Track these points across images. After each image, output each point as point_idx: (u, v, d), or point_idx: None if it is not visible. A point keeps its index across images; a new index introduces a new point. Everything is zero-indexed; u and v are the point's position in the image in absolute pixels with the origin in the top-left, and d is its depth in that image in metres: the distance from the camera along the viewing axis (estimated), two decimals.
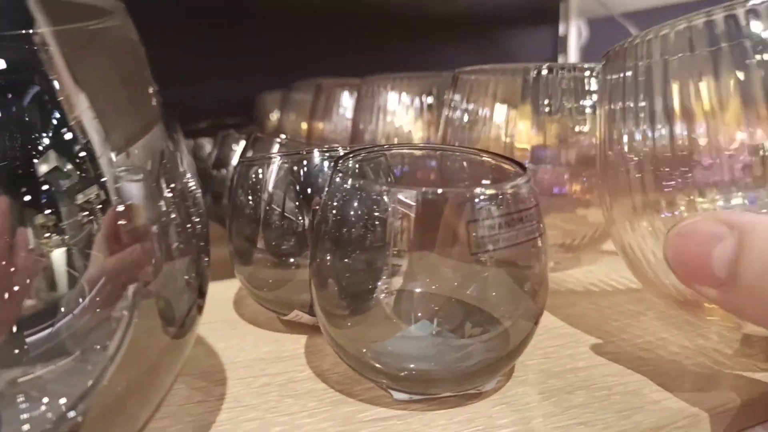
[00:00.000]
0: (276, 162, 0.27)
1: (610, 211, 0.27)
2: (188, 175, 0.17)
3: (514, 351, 0.22)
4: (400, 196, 0.20)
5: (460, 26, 0.93)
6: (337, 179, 0.21)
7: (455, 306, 0.22)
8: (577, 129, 0.35)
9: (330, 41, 0.86)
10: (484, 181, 0.22)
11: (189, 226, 0.17)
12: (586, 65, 0.35)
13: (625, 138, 0.26)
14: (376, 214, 0.20)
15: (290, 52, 0.83)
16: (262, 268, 0.28)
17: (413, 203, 0.20)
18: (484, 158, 0.23)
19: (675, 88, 0.24)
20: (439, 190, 0.19)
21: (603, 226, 0.36)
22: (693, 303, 0.24)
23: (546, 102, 0.36)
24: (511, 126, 0.36)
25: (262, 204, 0.27)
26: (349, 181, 0.20)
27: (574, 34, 0.93)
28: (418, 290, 0.22)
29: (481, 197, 0.20)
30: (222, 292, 0.33)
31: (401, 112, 0.46)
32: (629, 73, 0.25)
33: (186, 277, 0.17)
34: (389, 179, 0.25)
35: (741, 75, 0.22)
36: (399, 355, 0.22)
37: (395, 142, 0.45)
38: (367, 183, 0.20)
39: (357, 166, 0.24)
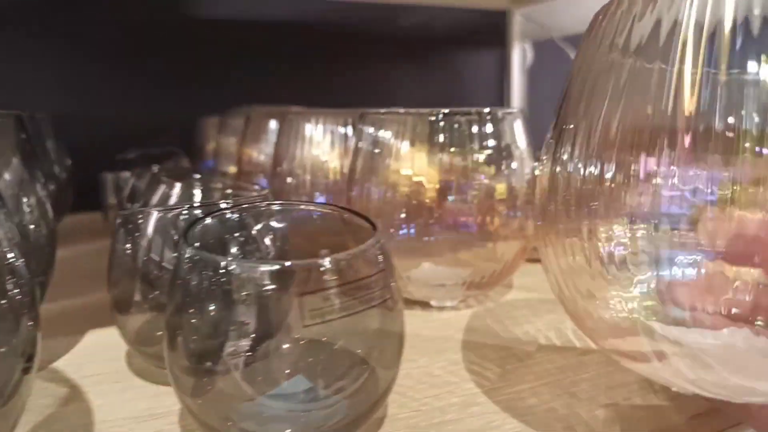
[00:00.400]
0: (153, 215, 0.27)
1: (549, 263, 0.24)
2: (2, 247, 0.17)
3: (376, 402, 0.22)
4: (239, 269, 0.20)
5: (406, 49, 0.94)
6: (184, 248, 0.20)
7: (314, 361, 0.23)
8: (478, 168, 0.36)
9: (273, 65, 0.87)
10: (323, 251, 0.23)
11: (4, 301, 0.17)
12: (484, 110, 0.36)
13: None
14: (220, 282, 0.20)
15: (234, 78, 0.83)
16: (139, 321, 0.28)
17: (254, 275, 0.20)
18: (341, 215, 0.24)
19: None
20: (275, 266, 0.20)
21: (510, 261, 0.37)
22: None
23: (448, 143, 0.36)
24: (414, 164, 0.37)
25: (140, 255, 0.27)
26: (192, 251, 0.20)
27: (518, 56, 0.95)
28: (274, 349, 0.22)
29: (316, 269, 0.20)
30: (118, 340, 0.33)
31: (319, 142, 0.46)
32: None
33: (3, 348, 0.17)
34: (247, 238, 0.25)
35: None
36: (253, 418, 0.22)
37: (309, 172, 0.46)
38: (207, 256, 0.20)
39: (210, 227, 0.24)
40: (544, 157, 0.25)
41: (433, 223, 0.37)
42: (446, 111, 0.36)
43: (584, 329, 0.24)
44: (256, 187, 0.37)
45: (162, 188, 0.34)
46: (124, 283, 0.28)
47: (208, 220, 0.24)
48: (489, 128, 0.36)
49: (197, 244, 0.22)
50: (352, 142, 0.44)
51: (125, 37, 0.78)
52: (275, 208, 0.25)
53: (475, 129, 0.36)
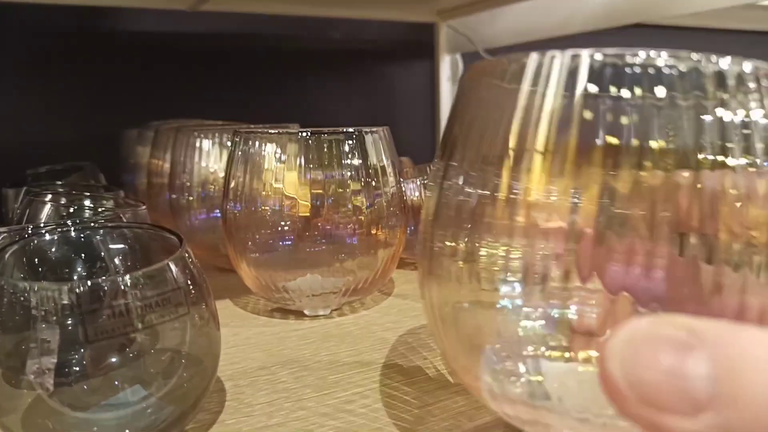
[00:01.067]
0: None
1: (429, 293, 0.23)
2: None
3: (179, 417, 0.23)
4: (38, 292, 0.21)
5: (334, 62, 0.95)
6: None
7: (124, 377, 0.24)
8: (347, 184, 0.38)
9: (201, 78, 0.87)
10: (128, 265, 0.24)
11: None
12: (343, 130, 0.37)
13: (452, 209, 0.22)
14: (22, 306, 0.21)
15: (158, 91, 0.84)
16: None
17: (57, 295, 0.21)
18: (145, 232, 0.25)
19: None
20: (66, 285, 0.21)
21: (382, 268, 0.39)
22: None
23: (317, 161, 0.38)
24: (286, 181, 0.38)
25: None
26: None
27: (447, 67, 0.97)
28: (73, 370, 0.23)
29: (125, 283, 0.21)
30: None
31: (210, 156, 0.47)
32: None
33: None
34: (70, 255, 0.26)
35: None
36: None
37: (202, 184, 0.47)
38: (7, 280, 0.21)
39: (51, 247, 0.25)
40: (431, 183, 0.23)
41: (308, 237, 0.39)
42: (313, 130, 0.37)
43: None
44: (141, 206, 0.38)
45: (37, 207, 0.35)
46: None
47: (43, 240, 0.25)
48: (354, 146, 0.38)
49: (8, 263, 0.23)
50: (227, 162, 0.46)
51: (40, 49, 0.78)
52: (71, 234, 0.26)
53: (343, 147, 0.38)
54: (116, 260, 0.26)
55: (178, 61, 0.86)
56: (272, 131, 0.38)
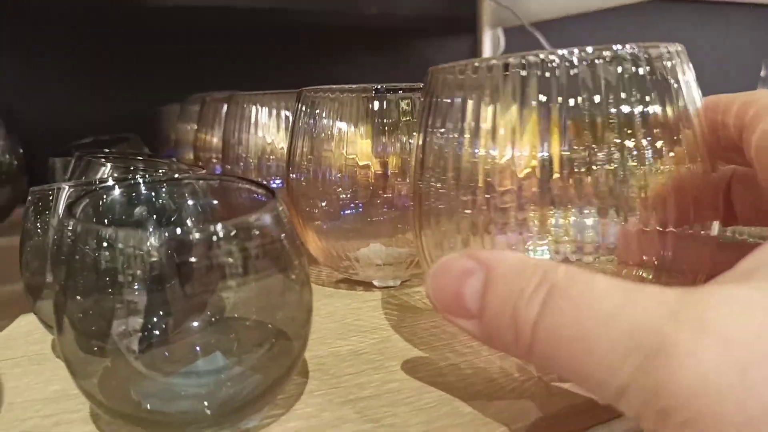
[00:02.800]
0: (65, 191, 0.26)
1: (419, 237, 0.27)
2: None
3: (278, 379, 0.21)
4: (129, 238, 0.19)
5: (374, 37, 0.93)
6: (66, 221, 0.20)
7: (210, 339, 0.22)
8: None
9: (236, 54, 0.86)
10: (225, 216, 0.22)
11: None
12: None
13: (433, 161, 0.26)
14: (107, 255, 0.19)
15: (194, 66, 0.82)
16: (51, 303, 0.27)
17: (142, 242, 0.19)
18: (238, 185, 0.23)
19: (483, 113, 0.24)
20: (165, 232, 0.19)
21: None
22: None
23: (390, 121, 0.36)
24: (356, 143, 0.36)
25: (51, 234, 0.26)
26: (74, 223, 0.19)
27: (489, 43, 0.94)
28: (170, 327, 0.21)
29: (219, 233, 0.19)
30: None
31: (266, 125, 0.45)
32: (444, 94, 0.25)
33: None
34: (143, 211, 0.24)
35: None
36: (152, 400, 0.21)
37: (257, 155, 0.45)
38: (94, 226, 0.19)
39: (102, 200, 0.23)
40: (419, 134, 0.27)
41: (377, 204, 0.37)
42: (384, 86, 0.35)
43: None
44: (201, 170, 0.37)
45: (95, 168, 0.33)
46: (36, 266, 0.27)
47: (115, 194, 0.23)
48: None
49: (81, 216, 0.21)
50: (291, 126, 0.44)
51: (81, 25, 0.77)
52: (176, 181, 0.25)
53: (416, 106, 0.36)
54: (200, 214, 0.24)
55: (212, 36, 0.84)
56: (342, 91, 0.36)
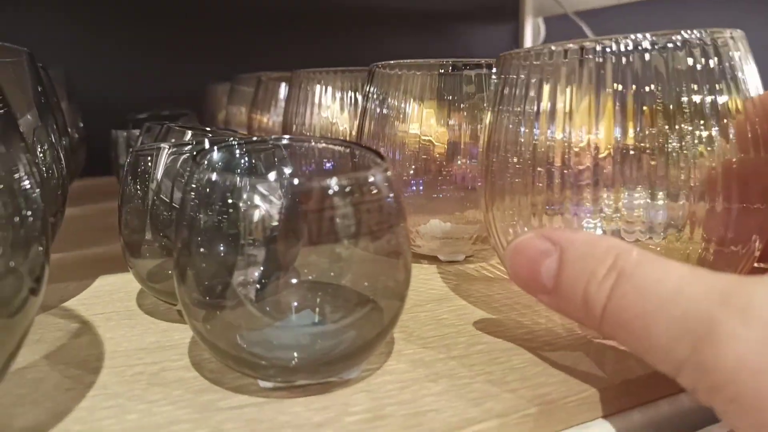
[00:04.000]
0: (165, 151, 0.27)
1: (489, 212, 0.28)
2: (19, 173, 0.18)
3: (380, 334, 0.22)
4: (254, 187, 0.20)
5: (417, 22, 0.93)
6: (195, 170, 0.21)
7: (319, 294, 0.23)
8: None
9: (281, 35, 0.86)
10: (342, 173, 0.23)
11: (17, 218, 0.17)
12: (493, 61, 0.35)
13: (506, 140, 0.27)
14: (231, 204, 0.20)
15: (240, 46, 0.83)
16: (151, 260, 0.28)
17: (266, 193, 0.20)
18: (345, 149, 0.24)
19: (560, 96, 0.25)
20: (295, 180, 0.20)
21: None
22: None
23: (457, 98, 0.36)
24: (423, 121, 0.37)
25: (151, 194, 0.27)
26: (205, 172, 0.20)
27: (530, 31, 0.94)
28: (282, 280, 0.22)
29: (334, 188, 0.20)
30: (127, 284, 0.33)
31: (328, 105, 0.46)
32: (519, 78, 0.26)
33: (12, 263, 0.17)
34: (253, 170, 0.25)
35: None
36: (261, 345, 0.22)
37: (319, 135, 0.46)
38: (222, 174, 0.20)
39: (222, 158, 0.24)
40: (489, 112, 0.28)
41: (441, 181, 0.37)
42: (452, 62, 0.36)
43: None
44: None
45: (174, 136, 0.34)
46: (135, 224, 0.28)
47: (220, 154, 0.24)
48: None
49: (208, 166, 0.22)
50: (360, 104, 0.44)
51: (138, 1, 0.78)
52: (286, 143, 0.25)
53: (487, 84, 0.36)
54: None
55: (254, 18, 0.85)
56: (411, 62, 0.37)
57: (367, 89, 0.38)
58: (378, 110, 0.38)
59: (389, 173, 0.21)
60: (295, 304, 0.23)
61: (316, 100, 0.46)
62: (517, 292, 0.32)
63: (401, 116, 0.37)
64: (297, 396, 0.22)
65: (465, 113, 0.37)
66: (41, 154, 0.32)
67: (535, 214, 0.26)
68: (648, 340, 0.18)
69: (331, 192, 0.20)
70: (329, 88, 0.46)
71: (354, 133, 0.43)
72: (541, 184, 0.26)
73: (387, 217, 0.21)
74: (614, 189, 0.24)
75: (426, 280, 0.34)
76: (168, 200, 0.27)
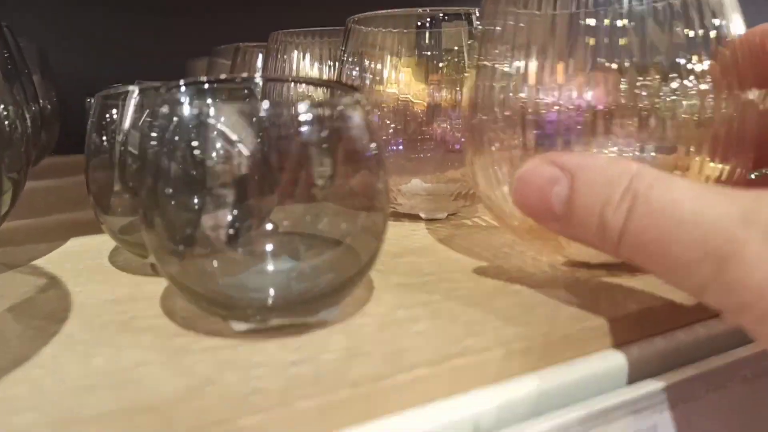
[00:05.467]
0: (134, 95, 0.26)
1: (473, 164, 0.27)
2: None
3: (357, 273, 0.21)
4: (221, 119, 0.19)
5: None
6: (158, 104, 0.20)
7: (296, 236, 0.22)
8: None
9: (261, 3, 0.85)
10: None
11: None
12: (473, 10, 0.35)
13: (485, 91, 0.26)
14: (195, 143, 0.19)
15: (221, 16, 0.81)
16: (121, 215, 0.27)
17: (234, 126, 0.19)
18: (323, 87, 0.23)
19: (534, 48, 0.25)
20: (264, 106, 0.19)
21: None
22: (542, 236, 0.25)
23: (437, 53, 0.35)
24: (401, 79, 0.36)
25: (118, 144, 0.26)
26: (169, 106, 0.19)
27: None
28: (257, 222, 0.22)
29: (305, 114, 0.19)
30: (101, 244, 0.32)
31: (307, 67, 0.45)
32: (497, 27, 0.25)
33: None
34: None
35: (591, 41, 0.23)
36: (237, 287, 0.21)
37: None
38: (187, 107, 0.19)
39: (190, 95, 0.23)
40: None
41: (422, 141, 0.37)
42: (434, 12, 0.35)
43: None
44: None
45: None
46: (102, 178, 0.27)
47: (188, 90, 0.23)
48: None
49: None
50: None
51: None
52: (259, 81, 0.25)
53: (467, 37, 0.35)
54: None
55: None
56: (387, 14, 0.35)
57: (342, 47, 0.37)
58: (354, 68, 0.37)
59: (363, 104, 0.21)
60: (271, 247, 0.22)
61: (294, 63, 0.45)
62: (501, 242, 0.31)
63: (378, 74, 0.36)
64: (272, 338, 0.21)
65: (445, 70, 0.36)
66: (3, 110, 0.31)
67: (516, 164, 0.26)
68: (669, 262, 0.17)
69: (302, 119, 0.19)
70: (308, 55, 0.45)
71: None
72: (522, 140, 0.25)
73: (362, 147, 0.20)
74: (601, 143, 0.24)
75: (407, 236, 0.33)
76: (137, 149, 0.26)
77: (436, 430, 0.18)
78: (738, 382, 0.22)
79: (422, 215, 0.37)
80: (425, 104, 0.37)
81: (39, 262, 0.30)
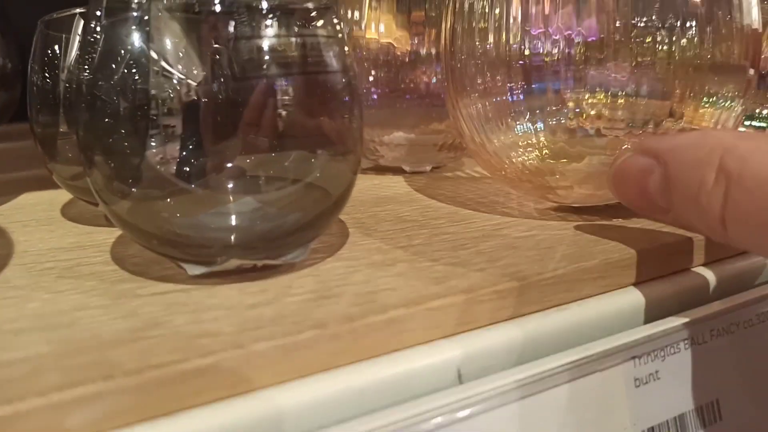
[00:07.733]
0: (80, 21, 0.23)
1: (456, 109, 0.25)
2: None
3: (325, 212, 0.19)
4: (163, 28, 0.16)
5: None
6: (91, 36, 0.17)
7: (260, 170, 0.20)
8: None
9: None
10: None
11: None
12: None
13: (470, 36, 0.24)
14: (136, 71, 0.17)
15: None
16: (70, 160, 0.24)
17: (179, 32, 0.16)
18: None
19: None
20: (216, 8, 0.16)
21: None
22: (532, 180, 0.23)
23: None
24: (380, 24, 0.34)
25: (62, 78, 0.23)
26: (103, 37, 0.17)
27: None
28: (212, 158, 0.19)
29: (269, 25, 0.17)
30: (54, 198, 0.30)
31: None
32: None
33: None
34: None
35: None
36: (195, 226, 0.19)
37: None
38: (123, 16, 0.17)
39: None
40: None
41: (404, 91, 0.34)
42: None
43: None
44: None
45: None
46: (48, 119, 0.25)
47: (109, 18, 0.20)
48: None
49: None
50: None
51: None
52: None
53: None
54: None
55: None
56: None
57: None
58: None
59: (334, 17, 0.18)
60: (232, 185, 0.20)
61: None
62: (488, 191, 0.29)
63: (357, 20, 0.34)
64: (231, 282, 0.18)
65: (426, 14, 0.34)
66: None
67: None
68: None
69: (267, 28, 0.16)
70: None
71: None
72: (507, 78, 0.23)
73: (330, 61, 0.18)
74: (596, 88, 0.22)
75: (388, 186, 0.31)
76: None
77: (415, 377, 0.16)
78: (743, 326, 0.20)
79: (406, 168, 0.34)
80: (407, 50, 0.34)
81: None
